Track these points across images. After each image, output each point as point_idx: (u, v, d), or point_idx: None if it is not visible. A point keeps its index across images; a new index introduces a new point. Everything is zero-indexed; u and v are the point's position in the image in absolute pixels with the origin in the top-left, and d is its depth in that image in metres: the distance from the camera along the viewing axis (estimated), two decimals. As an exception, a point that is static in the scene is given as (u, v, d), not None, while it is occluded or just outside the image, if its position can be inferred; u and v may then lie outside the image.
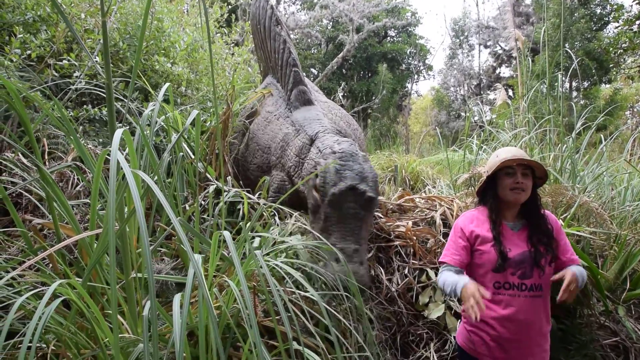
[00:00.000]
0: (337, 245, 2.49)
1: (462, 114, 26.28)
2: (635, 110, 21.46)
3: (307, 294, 1.94)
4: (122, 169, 1.43)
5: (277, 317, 1.84)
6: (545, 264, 2.31)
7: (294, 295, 1.99)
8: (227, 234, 1.49)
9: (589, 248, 3.65)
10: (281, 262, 1.82)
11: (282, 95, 3.69)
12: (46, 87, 3.26)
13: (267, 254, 2.12)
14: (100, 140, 3.71)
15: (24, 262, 1.88)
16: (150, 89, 3.60)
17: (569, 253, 2.40)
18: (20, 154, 2.94)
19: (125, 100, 3.71)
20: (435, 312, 2.90)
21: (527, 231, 2.37)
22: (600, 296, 3.28)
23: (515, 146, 4.64)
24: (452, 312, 2.92)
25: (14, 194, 2.73)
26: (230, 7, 6.77)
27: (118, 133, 1.37)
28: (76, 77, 3.79)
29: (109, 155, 1.64)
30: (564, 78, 5.24)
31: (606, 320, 3.42)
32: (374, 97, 21.99)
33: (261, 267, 1.46)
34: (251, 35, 6.10)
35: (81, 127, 3.57)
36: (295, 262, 1.95)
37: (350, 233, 2.57)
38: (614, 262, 3.57)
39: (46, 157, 3.13)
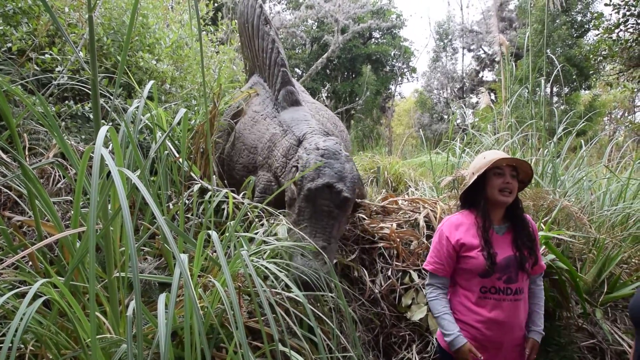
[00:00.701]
0: (305, 240, 2.49)
1: (445, 116, 26.48)
2: (612, 116, 21.87)
3: (291, 295, 1.94)
4: (106, 166, 1.41)
5: (262, 318, 1.83)
6: (529, 268, 2.35)
7: (278, 296, 1.98)
8: (214, 234, 1.48)
9: (568, 251, 3.71)
10: (266, 262, 1.81)
11: (269, 95, 3.67)
12: (28, 82, 3.19)
13: (253, 254, 2.10)
14: (83, 137, 3.65)
15: (3, 260, 1.85)
16: (137, 86, 3.56)
17: (540, 260, 2.46)
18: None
19: (108, 96, 3.66)
20: (417, 314, 2.92)
21: (511, 235, 2.38)
22: (579, 299, 3.33)
23: (499, 149, 4.69)
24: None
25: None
26: (216, 5, 6.73)
27: (103, 130, 1.35)
28: (58, 71, 3.72)
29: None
30: (546, 84, 5.31)
31: (584, 323, 3.48)
32: (357, 99, 22.04)
33: (247, 267, 1.45)
34: (237, 33, 6.07)
35: (63, 123, 3.51)
36: (280, 262, 1.95)
37: (322, 230, 2.57)
38: (593, 266, 3.63)
39: (27, 152, 3.07)
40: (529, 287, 2.47)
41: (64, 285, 1.41)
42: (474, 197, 2.42)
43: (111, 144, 2.76)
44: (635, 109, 22.71)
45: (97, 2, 4.48)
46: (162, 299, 1.38)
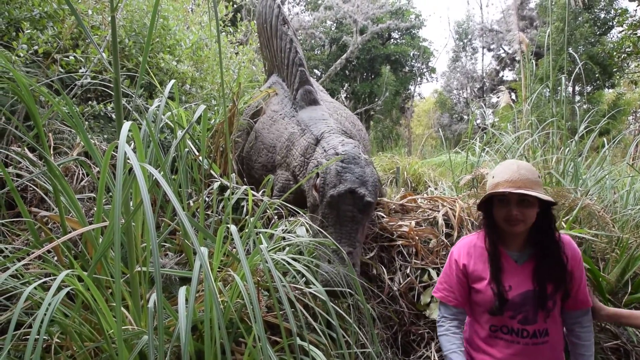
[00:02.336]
0: (331, 246, 2.50)
1: (465, 116, 26.28)
2: (638, 115, 21.45)
3: (310, 290, 1.95)
4: (128, 162, 1.44)
5: (281, 312, 1.85)
6: (553, 307, 1.95)
7: (297, 291, 2.00)
8: (233, 228, 1.51)
9: (590, 251, 3.66)
10: (286, 257, 1.83)
11: (287, 95, 3.70)
12: (54, 82, 3.27)
13: (271, 250, 2.13)
14: (105, 136, 3.72)
15: (30, 253, 1.90)
16: (158, 85, 3.62)
17: (581, 294, 2.01)
18: (26, 148, 2.96)
19: (130, 96, 3.72)
20: (436, 311, 2.90)
21: (533, 264, 1.98)
22: (601, 299, 3.29)
23: (519, 148, 4.65)
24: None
25: (19, 187, 2.74)
26: (235, 6, 6.79)
27: (126, 126, 1.38)
28: (82, 72, 3.80)
29: (115, 149, 1.66)
30: (567, 82, 5.25)
31: (607, 324, 3.43)
32: (376, 99, 22.02)
33: (266, 261, 1.47)
34: (256, 34, 6.12)
35: (86, 123, 3.59)
36: (299, 257, 1.97)
37: (346, 235, 2.58)
38: (616, 265, 3.58)
39: (52, 151, 3.15)
40: (571, 329, 2.05)
41: (88, 278, 1.45)
42: (484, 220, 2.09)
43: (133, 142, 2.82)
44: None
45: (119, 3, 4.56)
46: (182, 292, 1.40)
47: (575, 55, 4.68)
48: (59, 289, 1.40)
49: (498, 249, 2.01)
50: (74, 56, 3.83)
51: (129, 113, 3.98)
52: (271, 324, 2.04)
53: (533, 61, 5.33)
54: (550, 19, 5.01)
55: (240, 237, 2.07)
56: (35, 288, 1.76)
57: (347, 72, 24.58)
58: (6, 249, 2.06)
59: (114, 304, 1.70)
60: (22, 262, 1.33)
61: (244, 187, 2.66)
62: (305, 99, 3.50)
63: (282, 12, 3.81)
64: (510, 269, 1.99)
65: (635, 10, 8.41)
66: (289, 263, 1.89)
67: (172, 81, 2.69)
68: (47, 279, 1.50)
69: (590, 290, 2.29)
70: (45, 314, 1.19)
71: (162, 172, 1.86)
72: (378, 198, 3.50)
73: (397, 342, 2.84)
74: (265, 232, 2.33)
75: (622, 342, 3.35)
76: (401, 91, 25.93)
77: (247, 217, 2.73)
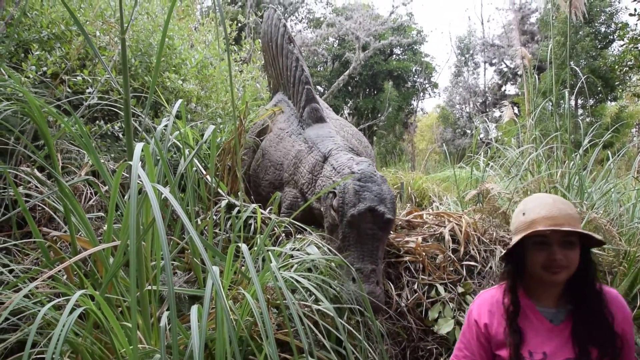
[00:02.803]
0: (354, 265, 2.53)
1: (468, 131, 26.33)
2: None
3: (319, 307, 1.96)
4: (140, 182, 1.46)
5: (291, 330, 1.85)
6: None
7: (307, 309, 2.00)
8: (244, 247, 1.52)
9: (597, 264, 3.64)
10: (296, 275, 1.84)
11: (293, 113, 3.74)
12: (64, 103, 3.32)
13: (280, 267, 2.14)
14: (112, 155, 3.76)
15: (42, 272, 1.91)
16: (166, 105, 3.66)
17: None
18: (35, 168, 2.99)
19: (137, 115, 3.76)
20: (444, 327, 2.90)
21: (572, 324, 1.61)
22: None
23: (523, 162, 4.66)
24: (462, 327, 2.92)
25: (28, 207, 2.77)
26: (239, 25, 6.87)
27: (138, 147, 1.40)
28: (89, 93, 3.85)
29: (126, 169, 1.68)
30: (570, 96, 5.28)
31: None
32: (379, 115, 22.11)
33: (276, 279, 1.49)
34: (260, 52, 6.18)
35: (94, 142, 3.62)
36: (308, 275, 1.97)
37: (369, 253, 2.61)
38: (624, 279, 3.56)
39: (60, 171, 3.18)
40: None
41: (101, 297, 1.46)
42: (510, 267, 1.73)
43: (141, 161, 2.84)
44: (663, 120, 22.24)
45: (128, 25, 4.62)
46: (194, 311, 1.41)
47: (577, 70, 4.72)
48: (72, 308, 1.41)
49: (527, 300, 1.67)
50: (82, 76, 3.89)
51: (135, 132, 4.03)
52: (280, 342, 2.05)
53: (536, 76, 5.37)
54: (552, 33, 5.05)
55: (250, 255, 2.09)
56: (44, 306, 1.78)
57: (349, 88, 24.72)
58: (16, 268, 2.08)
59: (124, 323, 1.72)
60: (36, 282, 1.35)
61: (252, 205, 2.68)
62: (312, 116, 3.53)
63: (287, 31, 3.86)
64: (544, 332, 1.62)
65: (636, 24, 8.45)
66: (297, 281, 1.90)
67: (179, 101, 2.73)
68: (61, 299, 1.51)
69: None
70: (60, 334, 1.21)
71: (171, 191, 1.88)
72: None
73: (406, 358, 2.83)
74: (275, 250, 2.34)
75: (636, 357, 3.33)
76: (404, 106, 26.02)
77: (255, 235, 2.74)
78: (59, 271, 1.95)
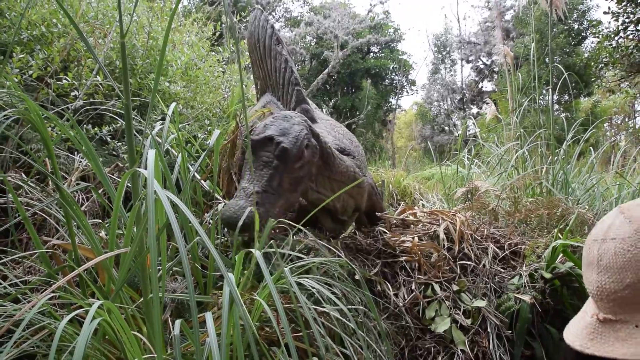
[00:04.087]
0: (241, 184, 2.57)
1: (446, 128, 26.59)
2: (613, 122, 21.95)
3: (324, 309, 1.96)
4: (145, 188, 1.44)
5: (298, 334, 1.85)
6: None
7: (311, 311, 2.00)
8: (258, 253, 1.51)
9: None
10: (308, 279, 1.84)
11: None
12: (53, 105, 3.25)
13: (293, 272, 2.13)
14: (101, 159, 3.69)
15: (46, 283, 1.88)
16: (165, 109, 3.63)
17: None
18: (22, 174, 2.92)
19: (122, 119, 3.70)
20: (441, 325, 2.93)
21: None
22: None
23: (509, 160, 4.73)
24: (458, 325, 2.96)
25: (17, 215, 2.70)
26: (223, 25, 6.82)
27: (151, 154, 1.39)
28: (74, 96, 3.78)
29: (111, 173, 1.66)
30: (552, 92, 5.38)
31: None
32: (358, 113, 22.19)
33: (291, 285, 1.48)
34: (247, 53, 6.14)
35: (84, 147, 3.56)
36: (314, 277, 1.97)
37: (258, 177, 2.62)
38: (611, 273, 3.65)
39: (60, 177, 3.11)
40: None
41: (116, 308, 1.44)
42: None
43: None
44: (635, 114, 22.81)
45: (109, 28, 4.55)
46: (209, 317, 1.40)
47: (560, 67, 4.81)
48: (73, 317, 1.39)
49: None
50: (66, 79, 3.81)
51: (121, 136, 3.97)
52: (286, 345, 2.04)
53: (519, 74, 5.45)
54: (529, 30, 5.13)
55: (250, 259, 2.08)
56: (45, 316, 1.74)
57: (327, 86, 24.75)
58: (14, 279, 2.03)
59: (134, 333, 1.69)
60: (49, 292, 1.32)
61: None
62: (303, 117, 3.52)
63: (275, 32, 3.83)
64: None
65: (609, 22, 8.65)
66: (300, 284, 1.90)
67: (173, 104, 2.70)
68: (79, 310, 1.48)
69: None
70: (80, 346, 1.18)
71: (181, 197, 1.86)
72: (379, 213, 3.53)
73: (405, 357, 2.85)
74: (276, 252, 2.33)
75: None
76: (382, 104, 26.17)
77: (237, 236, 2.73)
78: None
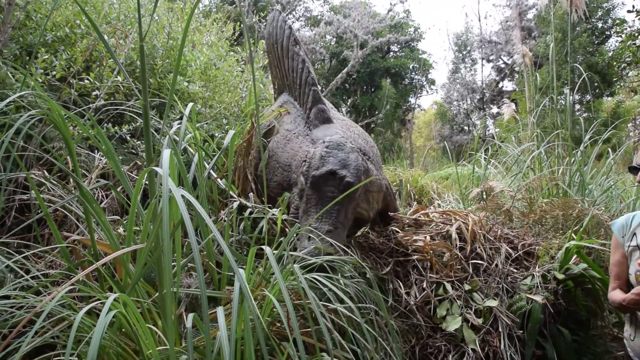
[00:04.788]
0: (312, 225, 2.62)
1: (466, 128, 26.38)
2: (637, 122, 21.54)
3: (336, 307, 2.00)
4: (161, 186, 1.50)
5: (308, 330, 1.90)
6: None
7: (325, 309, 2.04)
8: (268, 250, 1.56)
9: (599, 260, 3.70)
10: (318, 276, 1.89)
11: (300, 114, 3.77)
12: (76, 105, 3.35)
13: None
14: (120, 157, 3.79)
15: (66, 276, 1.96)
16: (182, 109, 3.71)
17: None
18: (45, 171, 3.02)
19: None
20: (452, 324, 2.95)
21: None
22: (613, 308, 3.33)
23: (527, 166, 4.71)
24: (469, 324, 2.97)
25: (39, 211, 2.80)
26: (242, 26, 6.90)
27: (166, 154, 1.44)
28: (95, 96, 3.88)
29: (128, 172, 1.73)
30: (571, 92, 5.33)
31: (619, 332, 3.47)
32: (377, 112, 22.14)
33: (300, 282, 1.53)
34: (262, 53, 6.22)
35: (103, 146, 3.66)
36: (332, 277, 2.02)
37: (327, 215, 2.69)
38: (626, 275, 3.63)
39: (80, 175, 3.21)
40: None
41: (131, 301, 1.50)
42: None
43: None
44: (660, 115, 22.36)
45: (129, 29, 4.66)
46: (220, 311, 1.46)
47: (580, 67, 4.77)
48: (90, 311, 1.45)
49: None
50: (88, 79, 3.91)
51: (140, 134, 4.07)
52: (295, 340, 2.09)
53: (537, 74, 5.42)
54: (551, 29, 5.10)
55: (265, 258, 2.13)
56: (65, 308, 1.82)
57: (347, 85, 24.73)
58: (37, 273, 2.11)
59: (149, 326, 1.76)
60: (68, 285, 1.39)
61: (262, 206, 2.72)
62: (319, 117, 3.57)
63: (293, 33, 3.89)
64: None
65: (634, 20, 8.51)
66: (318, 281, 1.94)
67: (191, 104, 2.77)
68: (96, 302, 1.55)
69: None
70: (97, 337, 1.25)
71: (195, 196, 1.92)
72: (392, 213, 3.56)
73: (415, 355, 2.88)
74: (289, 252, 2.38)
75: (636, 351, 3.39)
76: (401, 104, 26.07)
77: (263, 235, 2.79)
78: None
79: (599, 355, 3.19)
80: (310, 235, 2.48)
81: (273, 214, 2.89)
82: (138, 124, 3.91)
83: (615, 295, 2.26)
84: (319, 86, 3.75)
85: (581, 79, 4.73)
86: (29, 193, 2.59)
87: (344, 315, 2.03)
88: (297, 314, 2.06)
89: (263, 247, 1.66)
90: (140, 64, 1.91)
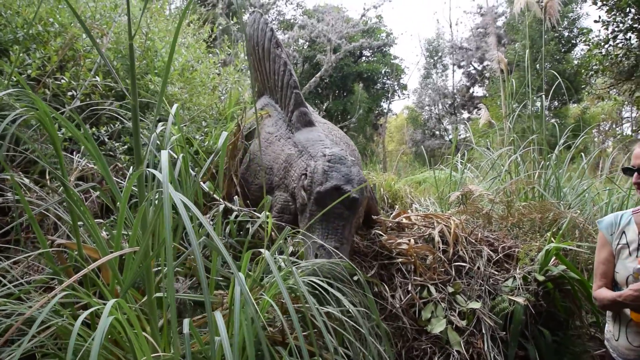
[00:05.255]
0: (319, 242, 2.61)
1: (437, 132, 26.72)
2: (600, 128, 22.22)
3: (330, 310, 1.99)
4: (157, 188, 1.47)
5: (305, 334, 1.88)
6: None
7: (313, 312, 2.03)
8: (267, 253, 1.54)
9: (575, 262, 3.79)
10: (316, 280, 1.87)
11: (281, 117, 3.74)
12: (50, 105, 3.25)
13: (284, 273, 2.16)
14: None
15: (57, 281, 1.89)
16: (169, 109, 3.64)
17: None
18: (20, 173, 2.92)
19: (121, 119, 3.72)
20: (437, 326, 2.97)
21: None
22: (591, 308, 3.41)
23: (505, 170, 4.79)
24: (454, 326, 3.00)
25: (14, 215, 2.71)
26: (220, 27, 6.83)
27: (165, 154, 1.41)
28: (70, 95, 3.78)
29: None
30: (545, 98, 5.46)
31: (596, 332, 3.55)
32: (349, 117, 22.23)
33: (299, 285, 1.51)
34: (242, 55, 6.17)
35: (77, 146, 3.57)
36: (324, 280, 2.00)
37: (333, 232, 2.70)
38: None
39: (48, 176, 3.12)
40: None
41: (128, 307, 1.46)
42: None
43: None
44: (622, 121, 23.15)
45: (105, 28, 4.55)
46: (219, 317, 1.43)
47: (555, 73, 4.88)
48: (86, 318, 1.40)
49: None
50: (63, 79, 3.81)
51: (119, 136, 3.97)
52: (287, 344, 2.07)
53: (513, 80, 5.53)
54: (520, 36, 5.21)
55: (257, 261, 2.11)
56: (51, 313, 1.76)
57: (319, 90, 24.76)
58: (19, 279, 2.04)
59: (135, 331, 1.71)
60: (59, 290, 1.34)
61: (247, 209, 2.69)
62: (301, 120, 3.55)
63: (274, 35, 3.87)
64: None
65: (600, 30, 8.74)
66: (314, 286, 1.93)
67: (175, 105, 2.72)
68: (91, 309, 1.50)
69: None
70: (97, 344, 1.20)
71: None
72: (375, 217, 3.56)
73: (402, 357, 2.88)
74: (281, 255, 2.36)
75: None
76: (373, 108, 26.23)
77: (252, 239, 2.76)
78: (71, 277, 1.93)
79: (577, 355, 3.26)
80: (317, 252, 2.48)
81: (263, 219, 2.86)
82: (117, 125, 3.83)
83: (605, 293, 2.29)
84: (300, 89, 3.74)
85: (555, 84, 4.84)
86: (6, 196, 2.49)
87: (336, 319, 2.02)
88: (288, 317, 2.04)
89: (261, 250, 1.63)
90: (130, 63, 1.86)
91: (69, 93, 3.81)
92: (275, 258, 2.20)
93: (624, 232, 2.33)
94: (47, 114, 1.72)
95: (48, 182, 3.05)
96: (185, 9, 2.09)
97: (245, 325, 1.44)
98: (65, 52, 4.09)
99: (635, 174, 2.27)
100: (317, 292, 1.90)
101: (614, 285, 2.35)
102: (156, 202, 2.00)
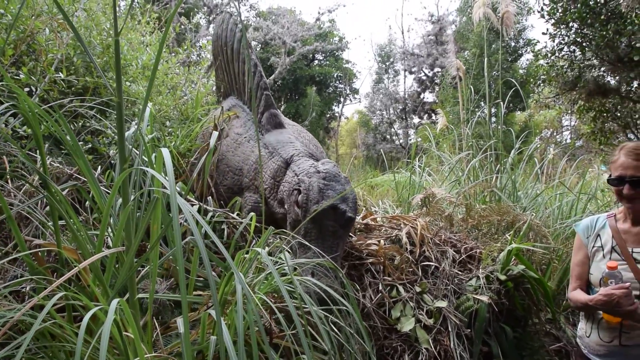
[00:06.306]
0: (315, 260, 2.62)
1: (388, 136, 27.17)
2: (542, 135, 23.26)
3: (312, 309, 2.02)
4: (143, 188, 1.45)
5: (293, 332, 1.90)
6: None
7: (297, 312, 2.05)
8: (264, 252, 1.55)
9: (530, 262, 3.97)
10: (302, 279, 1.89)
11: (250, 118, 3.74)
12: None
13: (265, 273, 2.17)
14: (59, 158, 3.58)
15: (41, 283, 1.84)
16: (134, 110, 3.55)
17: None
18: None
19: (87, 118, 3.62)
20: (406, 325, 3.05)
21: None
22: (547, 306, 3.59)
23: (462, 168, 4.96)
24: (422, 324, 3.08)
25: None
26: (182, 27, 6.73)
27: (166, 152, 1.40)
28: (28, 92, 3.64)
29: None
30: (495, 105, 5.70)
31: (551, 328, 3.75)
32: (302, 120, 22.30)
33: (295, 285, 1.54)
34: (209, 56, 6.10)
35: (46, 144, 3.45)
36: (302, 279, 2.03)
37: (328, 250, 2.72)
38: (555, 274, 3.93)
39: (8, 177, 3.00)
40: None
41: (127, 308, 1.44)
42: None
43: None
44: (562, 129, 24.33)
45: (122, 28, 4.39)
46: (219, 317, 1.43)
47: (514, 81, 5.10)
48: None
49: None
50: (22, 74, 3.66)
51: (78, 134, 3.85)
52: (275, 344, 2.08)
53: (471, 87, 5.73)
54: (471, 44, 5.41)
55: (243, 261, 2.11)
56: (29, 313, 1.70)
57: (272, 92, 24.69)
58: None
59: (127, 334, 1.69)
60: (47, 291, 1.31)
61: (221, 210, 2.68)
62: (271, 122, 3.56)
63: (244, 36, 3.86)
64: None
65: (546, 42, 9.16)
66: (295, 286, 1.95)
67: (150, 104, 2.68)
68: (94, 310, 1.47)
69: None
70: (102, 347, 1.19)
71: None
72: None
73: (374, 355, 2.94)
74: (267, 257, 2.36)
75: (564, 344, 3.69)
76: (325, 111, 26.42)
77: (228, 240, 2.75)
78: (45, 279, 1.87)
79: (535, 349, 3.42)
80: (314, 270, 2.52)
81: (234, 218, 2.85)
82: (82, 122, 3.71)
83: (578, 295, 2.40)
84: (270, 91, 3.75)
85: (512, 91, 5.07)
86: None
87: (319, 317, 2.05)
88: (274, 316, 2.06)
89: (258, 249, 1.64)
90: (115, 61, 1.83)
91: (26, 89, 3.67)
92: (258, 259, 2.21)
93: (599, 235, 2.44)
94: (32, 107, 1.66)
95: (8, 180, 2.94)
96: (172, 12, 2.07)
97: (252, 324, 1.45)
98: (17, 46, 3.93)
99: (627, 185, 2.19)
100: (310, 293, 1.92)
101: (588, 286, 2.47)
102: (141, 202, 1.98)
